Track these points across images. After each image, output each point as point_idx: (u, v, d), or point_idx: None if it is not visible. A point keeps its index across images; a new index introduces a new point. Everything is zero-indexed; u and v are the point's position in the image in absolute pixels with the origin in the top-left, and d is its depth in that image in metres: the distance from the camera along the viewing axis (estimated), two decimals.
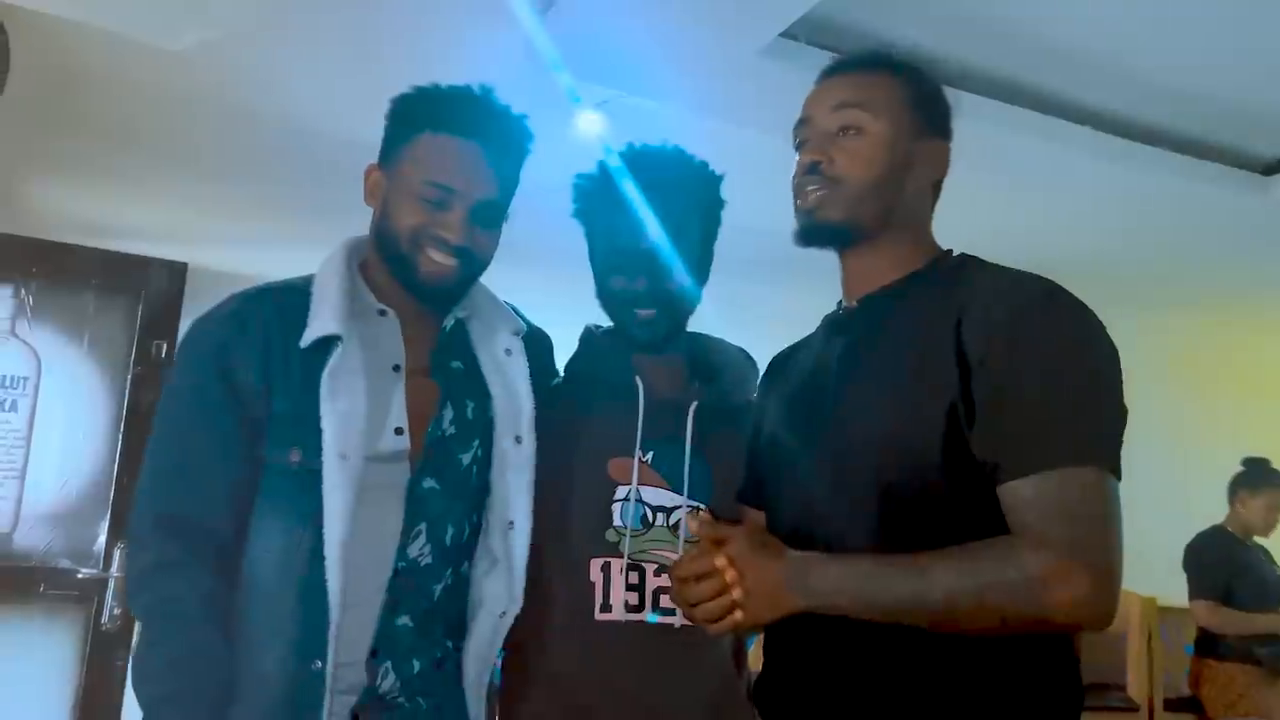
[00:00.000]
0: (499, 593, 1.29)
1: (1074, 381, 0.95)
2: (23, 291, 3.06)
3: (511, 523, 1.30)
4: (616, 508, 1.36)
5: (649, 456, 1.37)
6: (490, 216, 1.29)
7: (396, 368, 1.27)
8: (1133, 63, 2.55)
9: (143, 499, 1.21)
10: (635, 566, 1.34)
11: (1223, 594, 3.53)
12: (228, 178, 3.37)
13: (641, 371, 1.40)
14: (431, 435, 1.27)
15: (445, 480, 1.28)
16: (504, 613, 1.29)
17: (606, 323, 1.46)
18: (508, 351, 1.36)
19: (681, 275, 1.38)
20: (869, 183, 1.10)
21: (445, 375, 1.31)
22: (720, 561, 1.02)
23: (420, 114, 1.28)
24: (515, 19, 2.11)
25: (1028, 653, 0.98)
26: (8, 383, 3.02)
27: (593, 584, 1.34)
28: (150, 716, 1.13)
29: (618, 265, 1.39)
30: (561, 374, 1.49)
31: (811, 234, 1.13)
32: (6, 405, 3.01)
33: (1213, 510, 3.74)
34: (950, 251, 1.15)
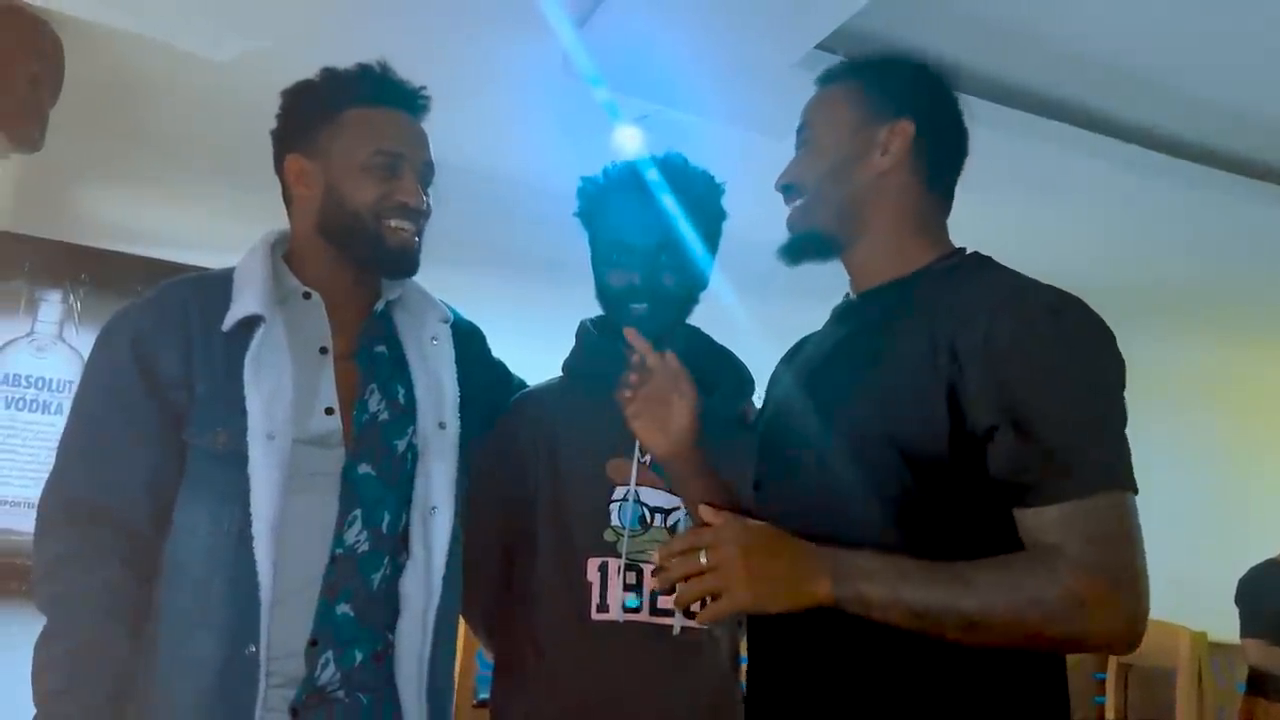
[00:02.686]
0: (417, 591, 1.26)
1: (1092, 403, 0.95)
2: (71, 297, 3.12)
3: (434, 508, 1.28)
4: (614, 508, 1.36)
5: (647, 457, 1.37)
6: (429, 176, 1.32)
7: (323, 350, 1.27)
8: (1179, 79, 2.50)
9: (53, 485, 1.20)
10: (633, 567, 1.34)
11: (1276, 632, 3.40)
12: (273, 188, 3.41)
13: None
14: (359, 418, 1.26)
15: (381, 467, 1.26)
16: (425, 609, 1.27)
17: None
18: (434, 339, 1.35)
19: (677, 273, 1.39)
20: (819, 181, 1.11)
21: (370, 359, 1.30)
22: (699, 540, 0.99)
23: (337, 94, 1.28)
24: (552, 33, 2.11)
25: (1017, 671, 0.98)
26: (54, 386, 3.08)
27: (590, 584, 1.33)
28: (45, 710, 1.13)
29: (614, 261, 1.41)
30: (561, 372, 1.50)
31: (786, 248, 1.15)
32: (52, 408, 3.07)
33: (1268, 543, 3.62)
34: (963, 250, 1.12)
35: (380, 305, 1.33)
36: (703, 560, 0.97)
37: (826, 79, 1.17)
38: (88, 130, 2.94)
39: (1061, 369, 0.94)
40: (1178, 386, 4.10)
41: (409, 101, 1.31)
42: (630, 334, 1.20)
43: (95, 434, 1.21)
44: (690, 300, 1.43)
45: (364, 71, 1.30)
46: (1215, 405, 4.31)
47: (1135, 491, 0.93)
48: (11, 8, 2.39)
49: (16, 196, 3.06)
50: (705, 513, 1.03)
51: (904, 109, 1.10)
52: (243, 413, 1.17)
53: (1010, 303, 0.98)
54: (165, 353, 1.20)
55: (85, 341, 3.14)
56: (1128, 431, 0.96)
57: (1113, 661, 3.98)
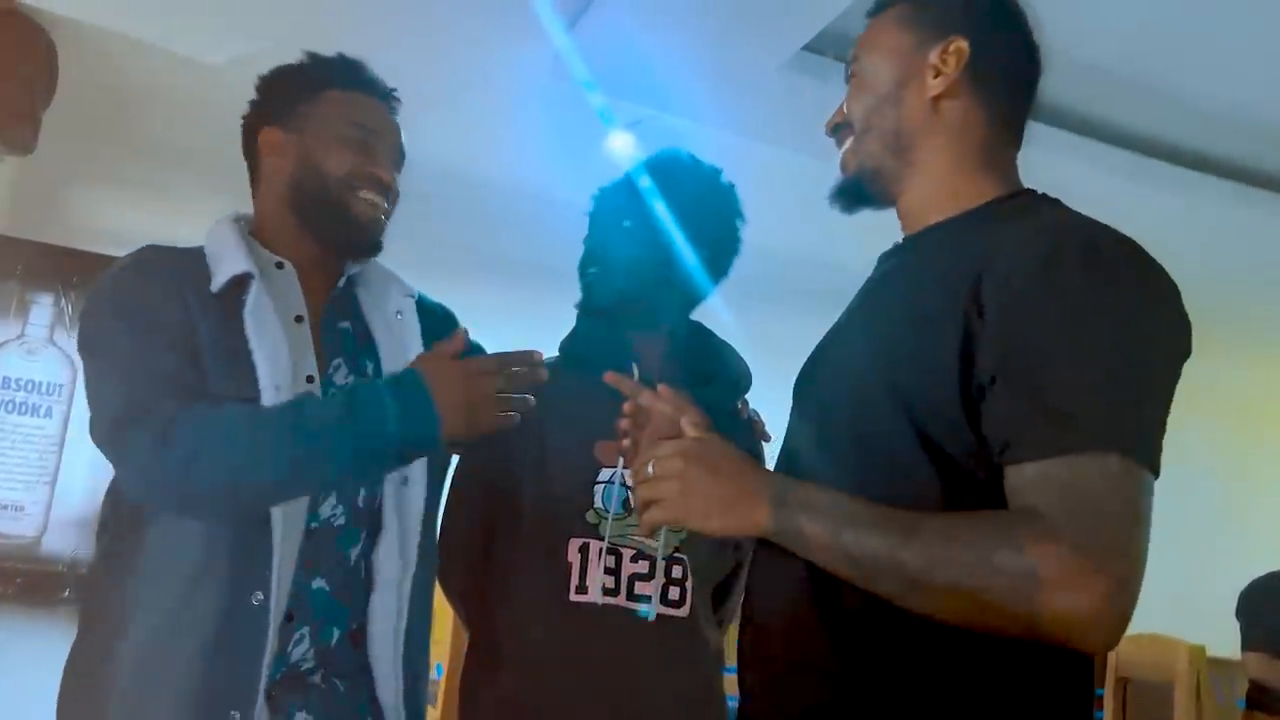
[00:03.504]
0: (390, 562, 1.25)
1: (1113, 356, 0.79)
2: (62, 301, 3.11)
3: (406, 479, 1.27)
4: (599, 489, 1.35)
5: None
6: (400, 164, 1.35)
7: (299, 319, 1.27)
8: (1177, 84, 2.48)
9: (119, 394, 1.14)
10: (613, 551, 1.33)
11: (1277, 645, 3.37)
12: None
13: (639, 357, 1.39)
14: (324, 392, 1.24)
15: None
16: (400, 581, 1.25)
17: None
18: (399, 313, 1.35)
19: (638, 246, 1.37)
20: (866, 113, 1.01)
21: (333, 335, 1.30)
22: (653, 451, 0.93)
23: (317, 74, 1.33)
24: (542, 37, 2.11)
25: (1037, 675, 0.83)
26: (44, 389, 3.06)
27: (570, 564, 1.32)
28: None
29: (587, 235, 1.43)
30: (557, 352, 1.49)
31: (838, 191, 1.05)
32: (41, 411, 3.05)
33: (1269, 556, 3.59)
34: (1031, 191, 0.99)
35: (342, 281, 1.34)
36: (649, 470, 0.92)
37: (877, 8, 1.06)
38: (81, 133, 2.93)
39: (1080, 313, 0.79)
40: (1178, 396, 4.07)
41: (384, 94, 1.36)
42: (611, 378, 1.13)
43: (134, 363, 1.15)
44: (654, 278, 1.39)
45: (343, 58, 1.35)
46: (1215, 416, 4.28)
47: (1150, 468, 0.78)
48: (4, 9, 2.38)
49: (9, 199, 3.05)
50: (684, 424, 0.98)
51: (958, 26, 0.98)
52: (251, 364, 1.16)
53: (1041, 237, 0.84)
54: (164, 299, 1.18)
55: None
56: None
57: (1110, 675, 3.95)
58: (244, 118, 1.35)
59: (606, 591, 1.31)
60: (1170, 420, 0.84)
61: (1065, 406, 0.77)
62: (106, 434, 1.15)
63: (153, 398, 1.12)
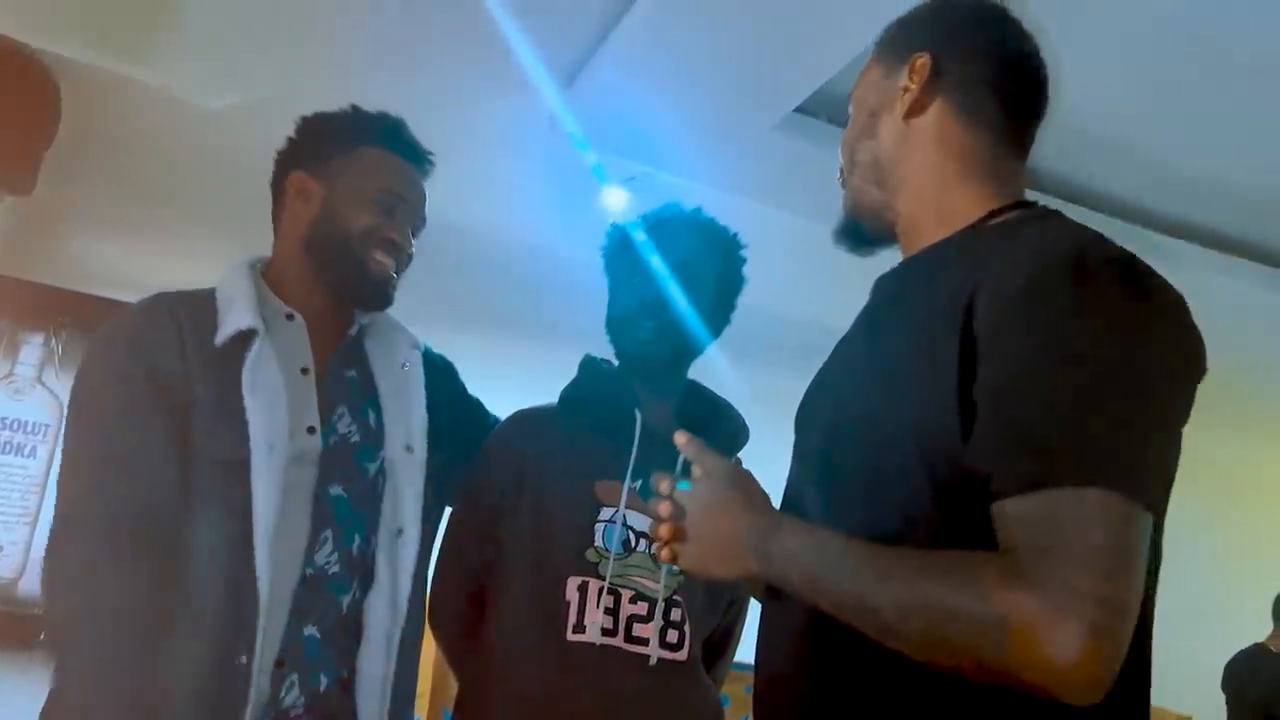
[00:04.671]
0: (381, 613, 1.25)
1: (1101, 381, 0.72)
2: (52, 341, 3.11)
3: (400, 530, 1.28)
4: (599, 529, 1.34)
5: (637, 484, 1.36)
6: (420, 229, 1.39)
7: (305, 370, 1.28)
8: (1162, 153, 2.52)
9: (71, 493, 1.16)
10: (611, 591, 1.31)
11: (1262, 717, 3.34)
12: (262, 239, 3.41)
13: (641, 404, 1.40)
14: (326, 439, 1.25)
15: (352, 488, 1.26)
16: (390, 633, 1.25)
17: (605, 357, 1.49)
18: (405, 365, 1.37)
19: (688, 312, 1.39)
20: (849, 151, 1.02)
21: (337, 382, 1.31)
22: (666, 500, 0.93)
23: (358, 129, 1.35)
24: (538, 97, 2.14)
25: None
26: (29, 429, 3.05)
27: (568, 603, 1.31)
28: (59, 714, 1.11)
29: (632, 281, 1.41)
30: (557, 400, 1.49)
31: (839, 231, 1.04)
32: (26, 450, 3.03)
33: (1255, 627, 3.57)
34: (1030, 204, 0.93)
35: (354, 330, 1.35)
36: (663, 513, 0.93)
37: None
38: (79, 174, 2.95)
39: (1063, 337, 0.73)
40: None
41: (419, 158, 1.39)
42: (684, 441, 1.00)
43: (114, 439, 1.17)
44: (698, 339, 1.43)
45: (385, 116, 1.37)
46: (1201, 486, 4.29)
47: (1142, 503, 0.70)
48: (8, 50, 2.41)
49: (6, 239, 3.06)
50: (692, 450, 0.95)
51: (920, 43, 0.97)
52: (244, 422, 1.17)
53: (1027, 257, 0.78)
54: (164, 351, 1.19)
55: (64, 385, 3.11)
56: None
57: None
58: (278, 154, 1.38)
59: (605, 632, 1.30)
60: None
61: (1040, 438, 0.71)
62: (54, 513, 1.18)
63: (88, 528, 1.14)
